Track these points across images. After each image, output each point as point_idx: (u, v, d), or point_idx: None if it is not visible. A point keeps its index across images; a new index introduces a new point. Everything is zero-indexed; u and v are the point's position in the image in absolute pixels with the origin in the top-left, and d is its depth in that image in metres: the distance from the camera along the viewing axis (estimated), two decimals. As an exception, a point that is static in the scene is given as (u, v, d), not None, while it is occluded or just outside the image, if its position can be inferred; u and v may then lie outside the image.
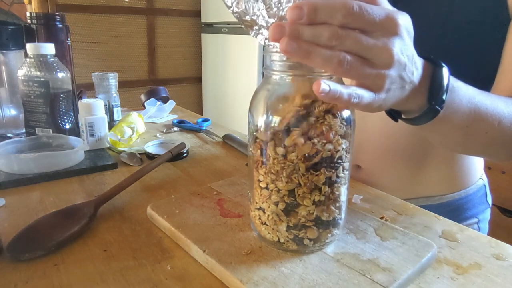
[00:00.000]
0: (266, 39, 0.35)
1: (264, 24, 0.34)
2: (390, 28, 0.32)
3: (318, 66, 0.31)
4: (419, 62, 0.37)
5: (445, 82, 0.38)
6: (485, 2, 0.51)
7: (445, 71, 0.38)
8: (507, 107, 0.45)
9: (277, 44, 0.33)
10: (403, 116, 0.43)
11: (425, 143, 0.60)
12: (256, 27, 0.35)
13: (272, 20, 0.34)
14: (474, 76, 0.55)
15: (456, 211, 0.63)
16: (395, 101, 0.36)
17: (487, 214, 0.68)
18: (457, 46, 0.53)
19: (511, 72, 0.52)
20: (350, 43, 0.31)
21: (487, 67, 0.55)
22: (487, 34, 0.52)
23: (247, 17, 0.34)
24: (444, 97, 0.38)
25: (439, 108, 0.38)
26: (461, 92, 0.41)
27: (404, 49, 0.34)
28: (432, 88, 0.38)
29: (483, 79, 0.56)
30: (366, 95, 0.32)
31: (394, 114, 0.43)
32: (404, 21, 0.33)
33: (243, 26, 0.35)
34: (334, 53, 0.30)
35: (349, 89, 0.31)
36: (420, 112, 0.39)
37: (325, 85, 0.30)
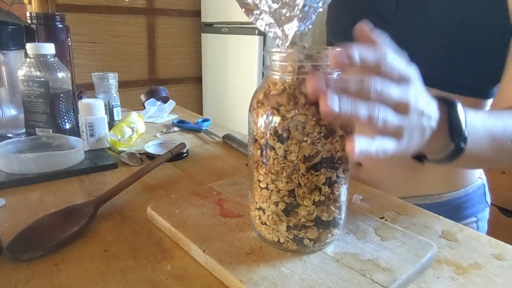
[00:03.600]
0: (266, 25, 0.34)
1: (267, 9, 0.33)
2: (406, 78, 0.34)
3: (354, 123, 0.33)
4: (433, 105, 0.38)
5: (463, 119, 0.39)
6: (485, 2, 0.51)
7: (460, 108, 0.39)
8: None
9: (276, 42, 0.33)
10: (428, 157, 0.43)
11: None
12: (257, 12, 0.34)
13: (275, 5, 0.33)
14: (475, 75, 0.56)
15: (455, 210, 0.64)
16: (418, 147, 0.37)
17: (486, 213, 0.68)
18: (460, 46, 0.53)
19: None
20: (383, 98, 0.32)
21: (489, 67, 0.55)
22: (489, 34, 0.53)
23: (249, 0, 0.34)
24: (465, 134, 0.39)
25: (463, 146, 0.39)
26: (475, 123, 0.42)
27: (420, 97, 0.35)
28: (452, 128, 0.39)
29: (484, 79, 0.56)
30: (390, 146, 0.33)
31: (419, 156, 0.44)
32: (414, 69, 0.35)
33: (243, 10, 0.35)
34: (371, 112, 0.31)
35: (375, 144, 0.32)
36: (446, 152, 0.40)
37: (359, 147, 0.31)
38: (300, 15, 0.34)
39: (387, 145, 0.33)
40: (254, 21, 0.35)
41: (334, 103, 0.30)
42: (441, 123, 0.38)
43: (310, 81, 0.30)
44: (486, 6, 0.51)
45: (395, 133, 0.34)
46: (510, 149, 0.45)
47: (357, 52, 0.31)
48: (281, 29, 0.35)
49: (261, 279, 0.36)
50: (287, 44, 0.36)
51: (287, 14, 0.34)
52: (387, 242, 0.42)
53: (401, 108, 0.33)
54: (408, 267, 0.37)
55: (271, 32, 0.35)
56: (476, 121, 0.42)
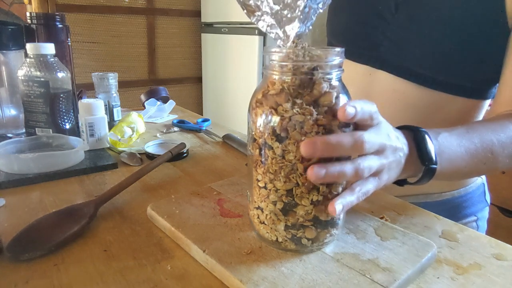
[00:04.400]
0: (268, 26, 0.34)
1: (268, 11, 0.34)
2: (375, 119, 0.37)
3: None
4: (401, 136, 0.40)
5: (428, 143, 0.41)
6: (484, 4, 0.51)
7: (423, 133, 0.42)
8: (494, 134, 0.47)
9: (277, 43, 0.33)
10: (408, 181, 0.45)
11: None
12: (259, 13, 0.34)
13: (276, 7, 0.33)
14: (474, 77, 0.56)
15: (455, 209, 0.64)
16: (397, 176, 0.40)
17: (485, 213, 0.68)
18: (459, 47, 0.54)
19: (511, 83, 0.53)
20: (368, 149, 0.35)
21: (487, 68, 0.55)
22: (488, 36, 0.53)
23: (251, 2, 0.34)
24: (434, 156, 0.41)
25: (434, 167, 0.41)
26: (446, 143, 0.44)
27: (390, 134, 0.38)
28: (420, 152, 0.41)
29: (483, 80, 0.56)
30: (370, 187, 0.37)
31: (399, 181, 0.45)
32: (374, 105, 0.37)
33: (244, 11, 0.35)
34: (354, 168, 0.35)
35: (356, 194, 0.36)
36: (420, 175, 0.43)
37: (339, 205, 0.34)
38: (301, 16, 0.34)
39: (367, 188, 0.36)
40: (255, 22, 0.35)
41: (321, 172, 0.33)
42: (410, 148, 0.41)
43: (304, 146, 0.33)
44: (485, 8, 0.51)
45: (376, 173, 0.37)
46: (492, 160, 0.47)
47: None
48: (282, 30, 0.36)
49: (261, 279, 0.36)
50: (288, 44, 0.36)
51: (288, 15, 0.34)
52: (387, 242, 0.42)
53: (379, 151, 0.36)
54: (408, 267, 0.37)
55: (273, 33, 0.35)
56: (450, 140, 0.45)
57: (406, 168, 0.41)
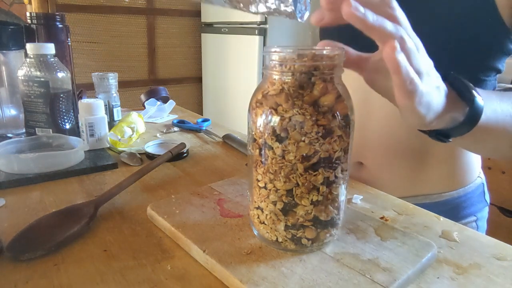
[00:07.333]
0: (272, 3, 0.34)
1: None
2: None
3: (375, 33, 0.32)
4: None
5: (467, 82, 0.39)
6: (477, 1, 0.51)
7: (455, 74, 0.39)
8: None
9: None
10: (451, 131, 0.41)
11: (426, 142, 0.60)
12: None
13: None
14: (470, 72, 0.56)
15: (455, 209, 0.64)
16: (437, 105, 0.36)
17: (485, 213, 0.68)
18: (448, 43, 0.54)
19: None
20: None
21: (481, 64, 0.55)
22: (476, 31, 0.53)
23: None
24: (477, 93, 0.38)
25: (481, 106, 0.38)
26: (483, 93, 0.41)
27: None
28: (460, 91, 0.38)
29: (478, 73, 0.57)
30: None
31: (443, 137, 0.42)
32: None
33: (241, 5, 0.35)
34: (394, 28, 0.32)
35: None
36: (462, 118, 0.39)
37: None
38: None
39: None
40: (258, 10, 0.35)
41: (359, 7, 0.30)
42: (448, 89, 0.38)
43: None
44: (478, 5, 0.51)
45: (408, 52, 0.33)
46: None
47: None
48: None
49: (261, 279, 0.36)
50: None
51: None
52: (387, 242, 0.42)
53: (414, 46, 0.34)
54: (408, 267, 0.37)
55: (275, 12, 0.34)
56: (484, 92, 0.41)
57: (450, 107, 0.37)
